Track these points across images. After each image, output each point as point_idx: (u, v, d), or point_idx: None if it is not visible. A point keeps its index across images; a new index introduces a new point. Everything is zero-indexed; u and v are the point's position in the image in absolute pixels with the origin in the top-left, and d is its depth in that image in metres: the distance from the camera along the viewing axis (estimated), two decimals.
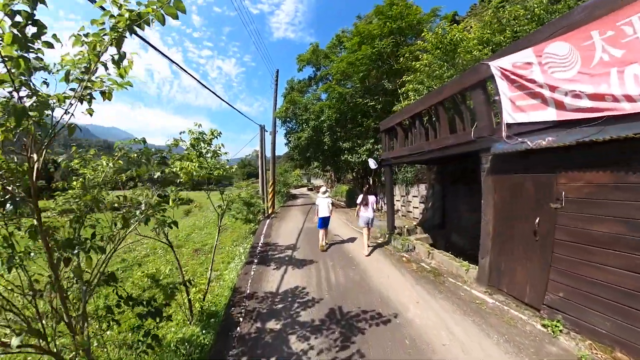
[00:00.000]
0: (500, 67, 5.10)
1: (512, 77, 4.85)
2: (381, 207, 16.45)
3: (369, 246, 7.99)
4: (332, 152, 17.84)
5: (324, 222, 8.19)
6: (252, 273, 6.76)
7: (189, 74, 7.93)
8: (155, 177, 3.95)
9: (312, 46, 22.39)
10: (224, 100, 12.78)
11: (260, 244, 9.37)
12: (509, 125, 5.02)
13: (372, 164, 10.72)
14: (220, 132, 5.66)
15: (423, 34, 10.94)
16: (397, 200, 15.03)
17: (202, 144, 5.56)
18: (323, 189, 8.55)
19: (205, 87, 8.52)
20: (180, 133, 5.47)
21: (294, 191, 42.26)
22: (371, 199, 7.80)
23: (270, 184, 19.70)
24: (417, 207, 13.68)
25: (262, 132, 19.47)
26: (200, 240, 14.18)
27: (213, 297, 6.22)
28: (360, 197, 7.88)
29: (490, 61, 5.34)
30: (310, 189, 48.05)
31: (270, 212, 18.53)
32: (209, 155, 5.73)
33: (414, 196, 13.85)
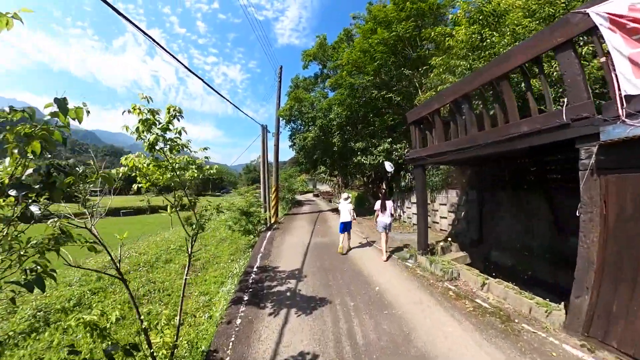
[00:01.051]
0: (610, 14, 3.56)
1: (632, 25, 3.38)
2: (399, 215, 14.24)
3: (386, 251, 7.99)
4: (341, 154, 15.76)
5: (345, 227, 8.44)
6: (238, 322, 4.62)
7: (196, 75, 6.00)
8: None
9: (318, 39, 20.47)
10: (226, 99, 10.91)
11: (255, 269, 7.23)
12: (628, 99, 3.42)
13: (388, 167, 9.66)
14: (181, 112, 3.60)
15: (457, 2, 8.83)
16: None
17: (156, 130, 3.51)
18: (345, 195, 8.70)
19: (209, 85, 6.64)
20: (123, 113, 3.43)
21: (299, 197, 40.22)
22: (389, 204, 7.80)
23: (272, 189, 17.63)
24: (445, 217, 11.47)
25: (264, 133, 17.48)
26: (194, 252, 12.14)
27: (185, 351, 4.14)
28: (378, 203, 7.83)
29: (589, 7, 3.68)
30: (316, 195, 45.97)
31: (272, 221, 16.44)
32: (167, 147, 3.67)
33: (441, 204, 11.64)
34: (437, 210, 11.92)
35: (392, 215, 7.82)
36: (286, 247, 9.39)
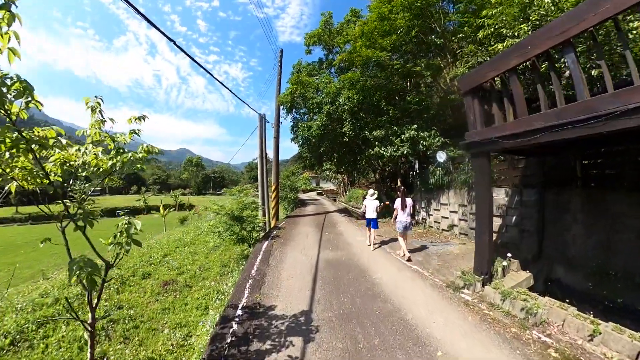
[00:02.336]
0: None
1: None
2: (423, 219, 11.84)
3: (405, 253, 7.53)
4: (351, 147, 13.37)
5: (372, 223, 8.56)
6: None
7: (200, 64, 3.71)
8: None
9: (323, 17, 18.02)
10: (224, 85, 8.56)
11: (239, 311, 4.76)
12: None
13: (441, 156, 9.03)
14: None
15: None
16: (451, 212, 10.41)
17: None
18: (371, 191, 8.80)
19: (210, 74, 4.30)
20: None
21: (302, 196, 37.90)
22: (409, 201, 7.50)
23: (272, 188, 15.27)
24: None
25: (262, 123, 15.12)
26: (179, 264, 9.91)
27: None
28: (398, 201, 7.49)
29: None
30: (320, 194, 43.62)
31: (272, 225, 14.08)
32: None
33: None
34: (473, 214, 9.50)
35: (411, 214, 7.53)
36: (287, 268, 7.01)
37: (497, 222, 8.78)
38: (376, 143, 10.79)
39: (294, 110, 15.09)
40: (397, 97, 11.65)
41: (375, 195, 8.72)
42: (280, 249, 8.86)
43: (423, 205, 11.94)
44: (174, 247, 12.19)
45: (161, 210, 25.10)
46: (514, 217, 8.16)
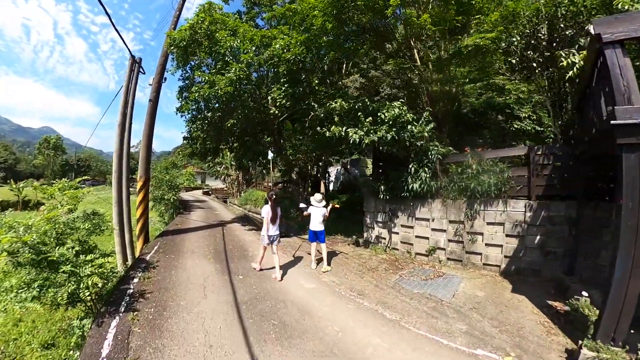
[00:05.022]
0: None
1: None
2: (378, 236, 8.44)
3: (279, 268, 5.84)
4: (270, 128, 8.85)
5: (317, 236, 6.51)
6: None
7: None
8: None
9: None
10: None
11: None
12: None
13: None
14: None
15: None
16: (435, 230, 7.36)
17: None
18: (319, 196, 6.63)
19: None
20: None
21: (185, 196, 29.98)
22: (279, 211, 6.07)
23: (138, 186, 9.08)
24: (498, 245, 6.42)
25: (132, 72, 8.79)
26: None
27: None
28: (267, 209, 5.92)
29: None
30: (207, 193, 36.18)
31: (138, 252, 7.98)
32: None
33: (492, 223, 6.50)
34: (481, 234, 6.69)
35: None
36: None
37: (512, 243, 6.28)
38: (335, 118, 6.65)
39: (191, 62, 9.31)
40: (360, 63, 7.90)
41: (324, 203, 6.71)
42: (149, 334, 3.54)
43: (380, 220, 8.53)
44: None
45: None
46: (537, 237, 6.01)
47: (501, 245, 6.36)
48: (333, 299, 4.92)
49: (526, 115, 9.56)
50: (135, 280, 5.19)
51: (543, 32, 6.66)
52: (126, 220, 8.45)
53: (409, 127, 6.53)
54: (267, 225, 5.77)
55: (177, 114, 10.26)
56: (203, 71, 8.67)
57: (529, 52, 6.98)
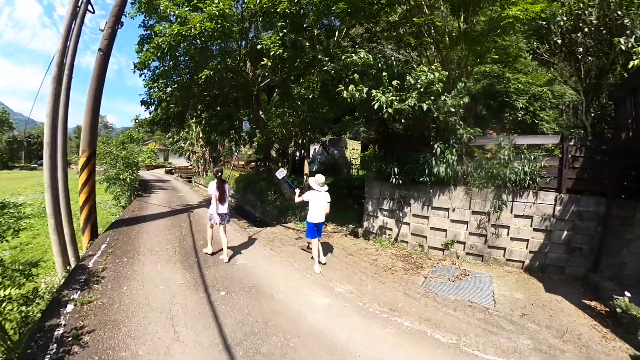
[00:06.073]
0: None
1: None
2: (382, 226, 7.30)
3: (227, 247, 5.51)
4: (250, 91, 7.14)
5: (318, 229, 5.33)
6: None
7: None
8: None
9: None
10: None
11: None
12: None
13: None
14: None
15: None
16: (454, 222, 6.31)
17: None
18: (322, 178, 5.32)
19: None
20: None
21: (145, 175, 26.91)
22: (227, 187, 5.69)
23: (81, 161, 7.06)
24: (524, 240, 5.66)
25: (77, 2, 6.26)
26: None
27: None
28: (213, 185, 5.40)
29: None
30: (170, 172, 33.00)
31: (84, 249, 6.11)
32: None
33: (519, 216, 5.66)
34: (506, 227, 5.80)
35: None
36: None
37: (538, 238, 5.67)
38: (355, 77, 5.10)
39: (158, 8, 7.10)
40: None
41: (326, 188, 5.40)
42: None
43: (386, 208, 7.33)
44: None
45: None
46: (564, 232, 5.51)
47: (527, 240, 5.70)
48: (362, 320, 3.65)
49: (522, 106, 9.13)
50: (69, 308, 3.44)
51: (593, 17, 6.11)
52: (65, 210, 6.40)
53: (443, 98, 5.19)
54: (215, 203, 5.38)
55: (134, 71, 8.09)
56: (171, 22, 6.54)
57: (577, 35, 6.31)
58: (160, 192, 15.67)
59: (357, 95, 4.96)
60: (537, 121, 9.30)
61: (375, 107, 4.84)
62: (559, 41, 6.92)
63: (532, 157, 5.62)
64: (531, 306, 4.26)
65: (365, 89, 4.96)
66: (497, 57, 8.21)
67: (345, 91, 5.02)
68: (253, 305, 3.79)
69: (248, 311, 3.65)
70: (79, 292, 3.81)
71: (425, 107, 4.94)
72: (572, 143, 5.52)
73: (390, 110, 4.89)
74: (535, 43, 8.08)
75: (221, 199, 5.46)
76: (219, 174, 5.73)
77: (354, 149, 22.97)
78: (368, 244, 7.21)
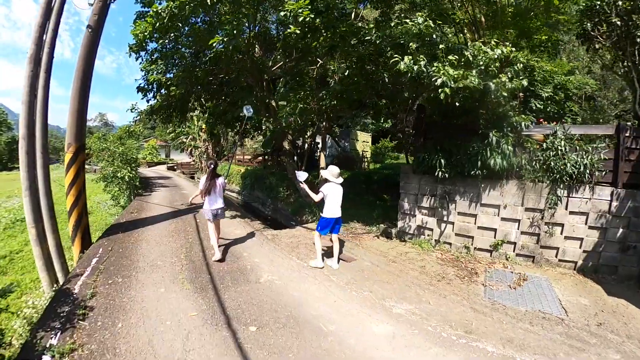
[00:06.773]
0: None
1: None
2: (421, 225, 6.26)
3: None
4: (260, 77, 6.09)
5: (335, 225, 4.90)
6: None
7: None
8: None
9: None
10: None
11: None
12: None
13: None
14: None
15: None
16: (504, 220, 5.32)
17: None
18: (336, 169, 4.89)
19: None
20: None
21: (146, 172, 25.84)
22: (220, 181, 5.35)
23: (67, 157, 5.98)
24: (578, 238, 4.79)
25: None
26: None
27: None
28: (204, 180, 5.22)
29: None
30: (172, 168, 31.93)
31: (75, 262, 5.09)
32: None
33: (575, 212, 4.83)
34: (560, 225, 4.88)
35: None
36: None
37: (593, 236, 5.02)
38: (411, 47, 4.03)
39: None
40: None
41: (341, 179, 4.92)
42: None
43: (426, 205, 6.28)
44: None
45: None
46: (620, 230, 4.95)
47: (581, 239, 5.05)
48: (439, 351, 2.76)
49: (548, 96, 8.32)
50: None
51: None
52: (48, 217, 5.37)
53: (503, 78, 4.12)
54: (202, 197, 5.21)
55: (129, 54, 7.02)
56: None
57: (638, 16, 5.53)
58: (162, 190, 14.63)
59: (415, 69, 3.91)
60: (562, 111, 8.51)
61: (438, 82, 3.79)
62: (618, 22, 5.91)
63: (590, 149, 4.90)
64: (602, 313, 3.78)
65: (423, 62, 3.90)
66: (545, 37, 7.22)
67: (402, 62, 3.94)
68: (299, 346, 2.76)
69: (294, 356, 2.64)
70: (59, 333, 2.79)
71: (492, 86, 3.89)
72: (627, 134, 4.87)
73: (450, 87, 3.82)
74: (588, 24, 7.09)
75: (207, 192, 5.13)
76: (212, 166, 5.38)
77: (364, 142, 21.81)
78: (406, 246, 6.20)
